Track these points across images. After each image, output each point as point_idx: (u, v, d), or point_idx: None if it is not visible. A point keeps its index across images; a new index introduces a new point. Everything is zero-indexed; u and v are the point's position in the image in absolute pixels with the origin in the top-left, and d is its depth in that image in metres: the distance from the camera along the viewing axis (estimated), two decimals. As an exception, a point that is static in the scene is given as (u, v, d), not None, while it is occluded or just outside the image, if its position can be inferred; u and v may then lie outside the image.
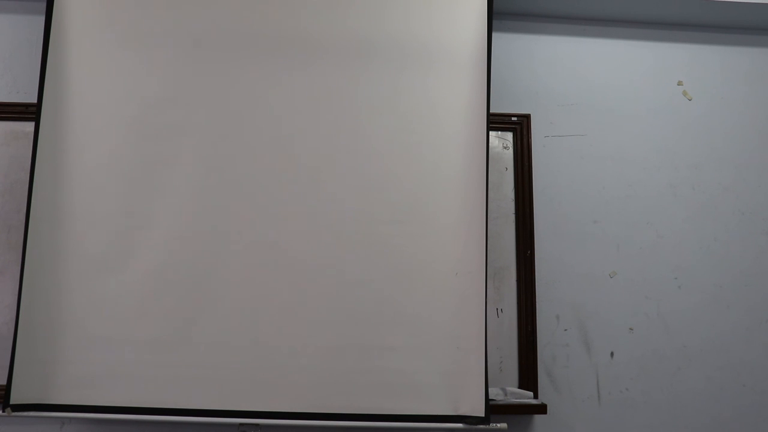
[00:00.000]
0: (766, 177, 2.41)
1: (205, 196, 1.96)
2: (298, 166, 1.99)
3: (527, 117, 2.33)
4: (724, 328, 2.30)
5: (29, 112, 2.12)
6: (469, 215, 1.97)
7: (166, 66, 2.01)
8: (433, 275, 1.95)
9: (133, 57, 2.01)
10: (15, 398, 1.84)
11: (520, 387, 2.15)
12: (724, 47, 2.49)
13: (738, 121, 2.44)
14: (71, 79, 1.99)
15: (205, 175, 1.97)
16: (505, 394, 2.07)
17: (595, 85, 2.42)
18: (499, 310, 2.20)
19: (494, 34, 2.26)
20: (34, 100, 2.00)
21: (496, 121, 2.27)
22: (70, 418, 2.02)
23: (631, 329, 2.27)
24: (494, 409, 1.99)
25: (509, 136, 2.32)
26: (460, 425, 1.88)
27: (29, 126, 2.09)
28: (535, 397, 2.12)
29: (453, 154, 2.00)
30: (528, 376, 2.16)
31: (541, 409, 2.09)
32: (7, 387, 1.84)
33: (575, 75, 2.42)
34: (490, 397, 1.94)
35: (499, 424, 1.90)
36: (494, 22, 2.25)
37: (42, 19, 2.03)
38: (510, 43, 2.41)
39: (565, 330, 2.24)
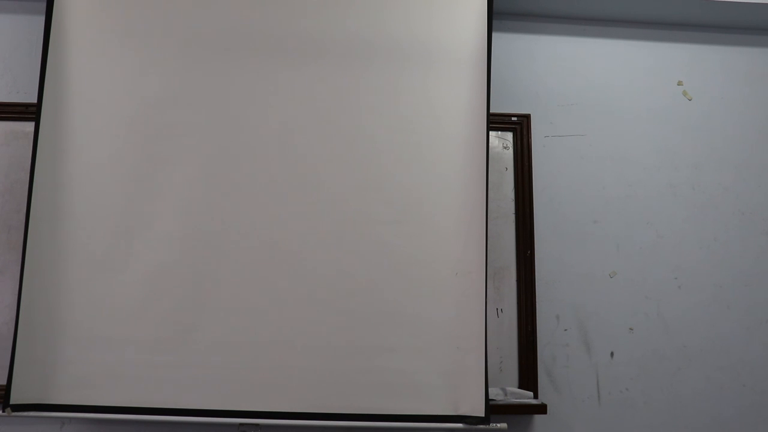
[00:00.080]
0: (766, 177, 2.41)
1: (204, 195, 1.96)
2: (298, 166, 1.99)
3: (527, 117, 2.33)
4: (724, 328, 2.30)
5: (29, 112, 2.12)
6: (469, 215, 1.97)
7: (166, 66, 2.01)
8: (433, 275, 1.95)
9: (133, 57, 2.01)
10: (15, 398, 1.84)
11: (520, 387, 2.15)
12: (724, 47, 2.49)
13: (738, 121, 2.44)
14: (71, 79, 1.99)
15: (205, 175, 1.97)
16: (505, 394, 2.07)
17: (595, 85, 2.42)
18: (499, 310, 2.20)
19: (494, 34, 2.26)
20: (34, 100, 2.00)
21: (496, 121, 2.27)
22: (70, 418, 2.02)
23: (631, 329, 2.27)
24: (494, 409, 1.99)
25: (509, 136, 2.32)
26: (460, 425, 1.88)
27: (29, 126, 2.09)
28: (535, 397, 2.12)
29: (453, 154, 2.00)
30: (528, 376, 2.16)
31: (541, 409, 2.09)
32: (7, 387, 1.84)
33: (575, 75, 2.42)
34: (490, 397, 1.94)
35: (499, 424, 1.90)
36: (494, 22, 2.25)
37: (42, 19, 2.03)
38: (510, 43, 2.41)
39: (565, 330, 2.25)
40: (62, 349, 1.88)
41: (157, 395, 1.87)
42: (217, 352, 1.89)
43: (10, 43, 2.25)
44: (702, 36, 2.49)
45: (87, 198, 1.94)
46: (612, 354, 2.25)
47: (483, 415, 1.87)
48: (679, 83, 2.45)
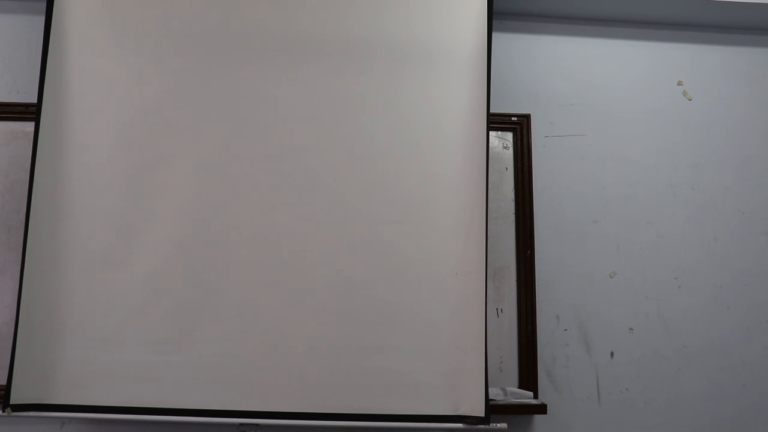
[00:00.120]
0: (766, 177, 2.41)
1: (204, 195, 1.96)
2: (298, 166, 1.99)
3: (527, 117, 2.33)
4: (724, 328, 2.30)
5: (29, 112, 2.12)
6: (469, 215, 1.97)
7: (165, 66, 2.01)
8: (433, 275, 1.95)
9: (133, 57, 2.01)
10: (15, 398, 1.83)
11: (520, 387, 2.15)
12: (724, 47, 2.49)
13: (738, 121, 2.44)
14: (71, 79, 1.99)
15: (205, 175, 1.97)
16: (505, 394, 2.07)
17: (595, 85, 2.42)
18: (499, 310, 2.20)
19: (494, 34, 2.26)
20: (34, 100, 2.00)
21: (496, 121, 2.27)
22: (70, 418, 2.02)
23: (631, 329, 2.27)
24: (494, 409, 1.99)
25: (509, 136, 2.32)
26: (460, 425, 1.88)
27: (29, 126, 2.09)
28: (535, 397, 2.12)
29: (453, 154, 2.00)
30: (528, 376, 2.16)
31: (541, 409, 2.09)
32: (7, 387, 1.84)
33: (575, 75, 2.42)
34: (490, 397, 1.94)
35: (499, 424, 1.90)
36: (494, 22, 2.25)
37: (42, 19, 2.03)
38: (510, 43, 2.41)
39: (565, 330, 2.24)
40: (62, 349, 1.88)
41: (157, 395, 1.87)
42: (217, 352, 1.89)
43: (10, 43, 2.25)
44: (702, 36, 2.49)
45: (87, 198, 1.94)
46: (612, 354, 2.25)
47: (483, 415, 1.87)
48: (679, 83, 2.45)
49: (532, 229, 2.24)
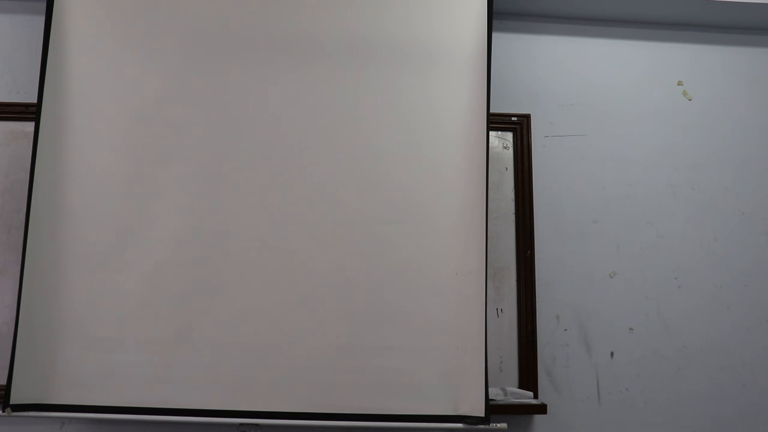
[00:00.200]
0: (766, 177, 2.41)
1: (204, 196, 1.96)
2: (298, 166, 1.99)
3: (527, 117, 2.33)
4: (724, 328, 2.30)
5: (29, 112, 2.12)
6: (469, 215, 1.97)
7: (165, 66, 2.01)
8: (433, 275, 1.95)
9: (133, 57, 2.01)
10: (15, 398, 1.84)
11: (520, 387, 2.15)
12: (724, 47, 2.49)
13: (738, 121, 2.44)
14: (71, 79, 1.99)
15: (204, 175, 1.97)
16: (505, 394, 2.07)
17: (595, 85, 2.42)
18: (499, 310, 2.20)
19: (494, 34, 2.26)
20: (34, 100, 2.00)
21: (496, 121, 2.27)
22: (70, 418, 2.02)
23: (631, 329, 2.27)
24: (494, 409, 1.99)
25: (509, 136, 2.32)
26: (460, 425, 1.88)
27: (29, 126, 2.09)
28: (535, 397, 2.12)
29: (453, 154, 2.00)
30: (528, 376, 2.16)
31: (541, 409, 2.09)
32: (7, 387, 1.84)
33: (575, 75, 2.42)
34: (490, 397, 1.94)
35: (499, 424, 1.90)
36: (494, 22, 2.25)
37: (42, 19, 2.03)
38: (510, 43, 2.41)
39: (565, 330, 2.24)
40: (62, 349, 1.88)
41: (157, 395, 1.87)
42: (217, 352, 1.89)
43: (10, 43, 2.25)
44: (702, 36, 2.49)
45: (87, 198, 1.94)
46: (612, 354, 2.25)
47: (483, 415, 1.87)
48: (679, 83, 2.45)
49: (532, 229, 2.25)
